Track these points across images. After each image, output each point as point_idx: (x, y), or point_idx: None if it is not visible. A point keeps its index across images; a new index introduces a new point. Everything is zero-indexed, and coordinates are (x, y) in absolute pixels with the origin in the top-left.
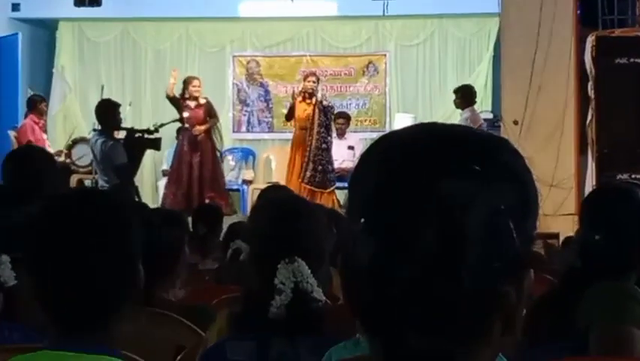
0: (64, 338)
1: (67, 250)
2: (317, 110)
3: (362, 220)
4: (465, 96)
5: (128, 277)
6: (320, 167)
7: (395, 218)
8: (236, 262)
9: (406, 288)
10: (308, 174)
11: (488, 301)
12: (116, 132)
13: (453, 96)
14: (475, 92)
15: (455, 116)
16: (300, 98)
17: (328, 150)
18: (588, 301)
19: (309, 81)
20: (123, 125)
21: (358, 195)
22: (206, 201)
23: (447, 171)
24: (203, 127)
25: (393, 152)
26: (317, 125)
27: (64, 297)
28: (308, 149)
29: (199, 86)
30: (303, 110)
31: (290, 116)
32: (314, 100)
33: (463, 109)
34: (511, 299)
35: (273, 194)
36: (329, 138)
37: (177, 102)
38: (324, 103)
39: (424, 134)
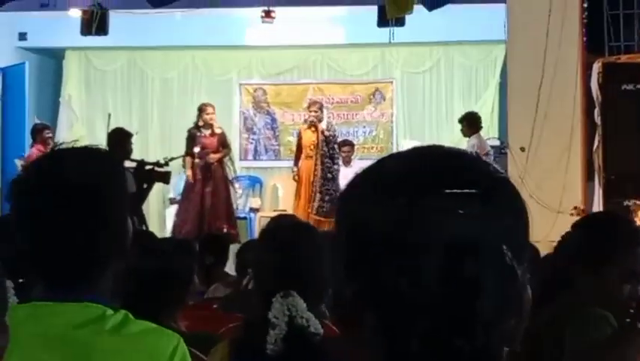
0: (51, 290)
1: (45, 207)
2: (320, 140)
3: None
4: (470, 124)
5: (110, 233)
6: (327, 197)
7: (387, 242)
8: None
9: (405, 307)
10: (316, 204)
11: (501, 319)
12: (125, 162)
13: (459, 124)
14: (480, 119)
15: (462, 144)
16: (305, 127)
17: (334, 179)
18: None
19: (311, 111)
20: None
21: (344, 224)
22: (219, 229)
23: (448, 208)
24: (217, 155)
25: (375, 184)
26: (320, 155)
27: (48, 253)
28: (314, 179)
29: (213, 113)
30: (308, 138)
31: (299, 146)
32: (319, 128)
33: (469, 136)
34: (512, 324)
35: (276, 222)
36: (334, 166)
37: (192, 140)
38: (326, 133)
39: (418, 165)
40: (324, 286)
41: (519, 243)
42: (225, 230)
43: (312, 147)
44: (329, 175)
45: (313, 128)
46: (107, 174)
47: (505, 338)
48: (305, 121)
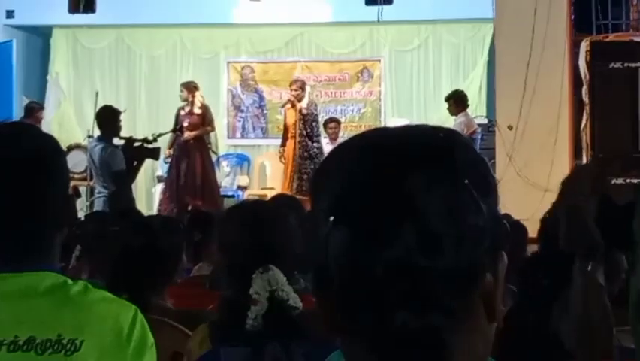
0: (4, 262)
1: None
2: (297, 119)
3: (331, 218)
4: (457, 102)
5: (57, 204)
6: (305, 175)
7: (369, 207)
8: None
9: (388, 267)
10: (294, 184)
11: (467, 277)
12: (114, 139)
13: (446, 102)
14: (467, 97)
15: (450, 122)
16: (288, 106)
17: (311, 157)
18: None
19: (292, 90)
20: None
21: (326, 194)
22: (195, 206)
23: (413, 164)
24: (193, 133)
25: (359, 152)
26: (298, 135)
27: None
28: (293, 159)
29: (181, 91)
30: (290, 117)
31: (285, 126)
32: (297, 108)
33: (456, 114)
34: (488, 281)
35: (241, 203)
36: (313, 144)
37: (176, 118)
38: (304, 112)
39: (385, 136)
40: (299, 261)
41: (482, 185)
42: (202, 207)
43: (294, 126)
44: (305, 154)
45: (293, 107)
46: (47, 147)
47: (478, 283)
48: (287, 101)
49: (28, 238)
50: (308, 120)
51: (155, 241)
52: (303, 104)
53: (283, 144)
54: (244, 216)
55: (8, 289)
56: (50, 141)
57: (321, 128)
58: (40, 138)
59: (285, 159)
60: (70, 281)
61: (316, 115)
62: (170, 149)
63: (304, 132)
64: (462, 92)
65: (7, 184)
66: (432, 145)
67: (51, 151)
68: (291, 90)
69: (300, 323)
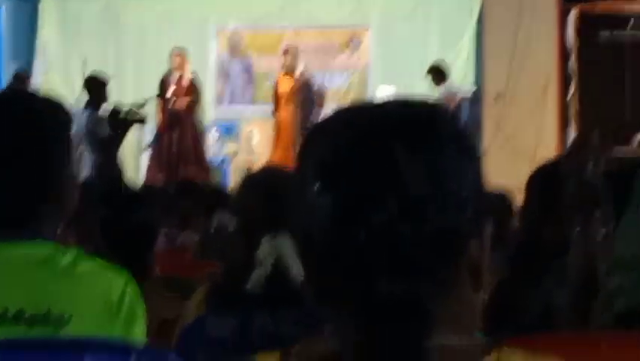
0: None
1: None
2: (297, 88)
3: (317, 184)
4: (436, 74)
5: (51, 172)
6: None
7: (354, 174)
8: (221, 235)
9: (372, 233)
10: (295, 153)
11: (451, 243)
12: (102, 107)
13: (427, 75)
14: (446, 67)
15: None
16: (282, 73)
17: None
18: None
19: (287, 57)
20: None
21: (312, 161)
22: (188, 174)
23: (396, 133)
24: (185, 100)
25: (345, 122)
26: (300, 102)
27: None
28: (294, 127)
29: (174, 57)
30: (285, 86)
31: (276, 95)
32: (295, 75)
33: (438, 85)
34: (473, 249)
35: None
36: (315, 109)
37: (163, 84)
38: (302, 79)
39: (369, 108)
40: None
41: (462, 154)
42: (195, 174)
43: (292, 92)
44: (308, 124)
45: (289, 76)
46: (44, 119)
47: (462, 249)
48: (282, 67)
49: (24, 206)
50: (310, 84)
51: (135, 210)
52: (297, 72)
53: (274, 114)
54: (260, 183)
55: (3, 258)
56: (55, 114)
57: None
58: (43, 109)
59: (277, 126)
60: (62, 251)
61: (313, 83)
62: (159, 116)
63: (307, 98)
64: (440, 64)
65: (6, 151)
66: (414, 115)
67: (52, 122)
68: (285, 59)
69: (299, 292)
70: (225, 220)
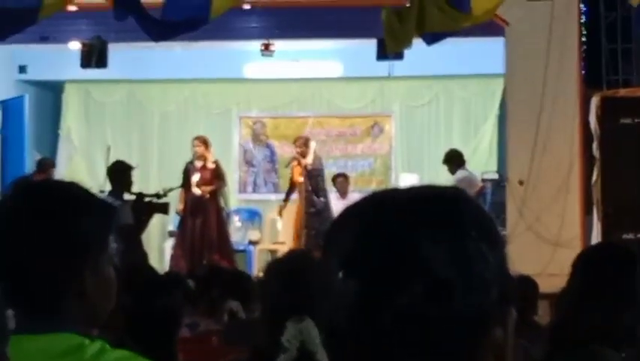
0: (21, 321)
1: (11, 238)
2: (303, 175)
3: (341, 272)
4: (451, 161)
5: (74, 264)
6: (313, 231)
7: (378, 260)
8: (236, 321)
9: (397, 316)
10: (302, 239)
11: (475, 326)
12: (125, 195)
13: (445, 165)
14: (461, 154)
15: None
16: (295, 163)
17: (318, 212)
18: None
19: (296, 146)
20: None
21: (337, 248)
22: (211, 261)
23: (420, 219)
24: (207, 188)
25: (369, 209)
26: (304, 190)
27: (16, 284)
28: (299, 215)
29: (199, 146)
30: (298, 173)
31: (291, 182)
32: (302, 164)
33: (454, 173)
34: (498, 334)
35: (285, 254)
36: (318, 200)
37: (186, 173)
38: (309, 168)
39: (393, 195)
40: None
41: (488, 239)
42: (219, 261)
43: (300, 182)
44: (312, 210)
45: (299, 164)
46: (72, 209)
47: (486, 334)
48: (294, 156)
49: (50, 296)
50: (313, 176)
51: (159, 299)
52: (308, 160)
53: (286, 199)
54: (285, 269)
55: (23, 352)
56: (74, 200)
57: (328, 183)
58: (63, 195)
59: (281, 214)
60: (87, 341)
61: (321, 170)
62: (182, 204)
63: (309, 188)
64: (455, 150)
65: (19, 240)
66: (438, 201)
67: (72, 210)
68: (296, 147)
69: None
70: (235, 308)
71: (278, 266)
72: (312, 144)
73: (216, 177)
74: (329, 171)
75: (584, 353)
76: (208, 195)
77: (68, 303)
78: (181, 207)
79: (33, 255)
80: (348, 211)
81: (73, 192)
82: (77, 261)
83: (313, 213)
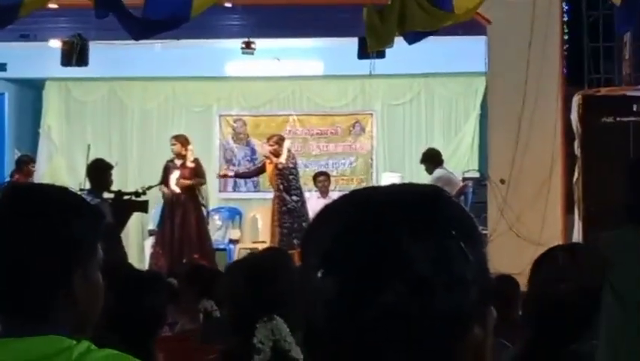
0: (9, 325)
1: (0, 241)
2: (275, 174)
3: (321, 271)
4: (428, 160)
5: (63, 268)
6: (285, 230)
7: (358, 258)
8: (211, 321)
9: (378, 314)
10: (276, 238)
11: (455, 325)
12: (104, 193)
13: (422, 164)
14: (439, 153)
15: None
16: (268, 161)
17: (289, 211)
18: None
19: (270, 145)
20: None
21: (316, 246)
22: (191, 260)
23: (400, 217)
24: (186, 182)
25: (349, 208)
26: (275, 189)
27: (5, 287)
28: (273, 214)
29: (176, 144)
30: (270, 171)
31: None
32: (278, 162)
33: (431, 173)
34: (477, 333)
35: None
36: (289, 198)
37: (165, 171)
38: (280, 166)
39: (372, 194)
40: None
41: (468, 237)
42: (198, 260)
43: (273, 180)
44: (284, 208)
45: (271, 163)
46: (60, 211)
47: (465, 334)
48: (268, 154)
49: (34, 299)
50: (284, 174)
51: (145, 297)
52: (281, 159)
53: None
54: (249, 269)
55: (10, 354)
56: (65, 204)
57: (309, 182)
58: (54, 199)
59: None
60: (73, 343)
61: (293, 168)
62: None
63: (281, 187)
64: (433, 149)
65: (8, 244)
66: (418, 199)
67: (62, 214)
68: (268, 145)
69: None
70: (209, 307)
71: (243, 266)
72: (286, 143)
73: (196, 175)
74: (310, 170)
75: (564, 354)
76: (185, 194)
77: (57, 308)
78: (165, 189)
79: (22, 258)
80: (328, 209)
81: (64, 196)
82: (67, 266)
83: (285, 211)
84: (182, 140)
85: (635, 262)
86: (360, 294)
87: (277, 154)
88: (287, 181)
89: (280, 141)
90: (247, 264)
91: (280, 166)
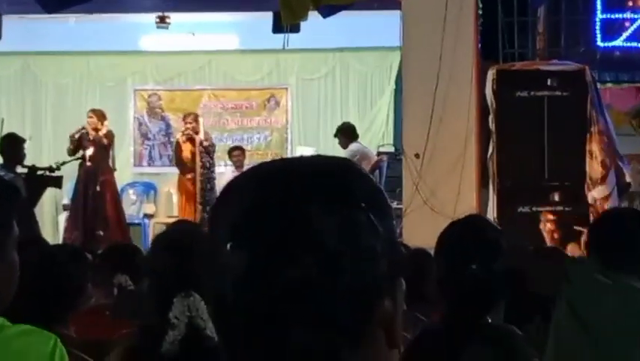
0: None
1: None
2: (200, 152)
3: (229, 245)
4: (343, 134)
5: None
6: (208, 207)
7: (266, 231)
8: (127, 296)
9: (287, 288)
10: (199, 216)
11: (364, 298)
12: (17, 168)
13: (335, 138)
14: (354, 127)
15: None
16: (183, 139)
17: (212, 189)
18: None
19: (187, 123)
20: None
21: (224, 220)
22: (97, 234)
23: (309, 190)
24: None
25: (257, 181)
26: (199, 167)
27: None
28: (195, 192)
29: (90, 117)
30: (187, 150)
31: (179, 159)
32: (196, 140)
33: (346, 147)
34: (387, 306)
35: (171, 227)
36: (213, 175)
37: (78, 144)
38: (205, 144)
39: (281, 167)
40: None
41: (376, 210)
42: (112, 234)
43: (193, 158)
44: (208, 186)
45: (190, 141)
46: None
47: (375, 307)
48: (182, 134)
49: None
50: (210, 152)
51: (60, 271)
52: (201, 136)
53: (185, 174)
54: (170, 242)
55: None
56: None
57: (224, 156)
58: None
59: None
60: None
61: (214, 145)
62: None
63: (207, 164)
64: (347, 123)
65: None
66: (327, 172)
67: None
68: (186, 123)
69: (214, 352)
70: (124, 282)
71: (163, 239)
72: (201, 120)
73: (108, 140)
74: (225, 144)
75: (480, 326)
76: (100, 168)
77: None
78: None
79: None
80: (236, 182)
81: None
82: None
83: (210, 189)
84: (99, 114)
85: (616, 308)
86: (268, 268)
87: (196, 131)
88: (211, 158)
89: (197, 118)
90: (170, 236)
91: (205, 144)
